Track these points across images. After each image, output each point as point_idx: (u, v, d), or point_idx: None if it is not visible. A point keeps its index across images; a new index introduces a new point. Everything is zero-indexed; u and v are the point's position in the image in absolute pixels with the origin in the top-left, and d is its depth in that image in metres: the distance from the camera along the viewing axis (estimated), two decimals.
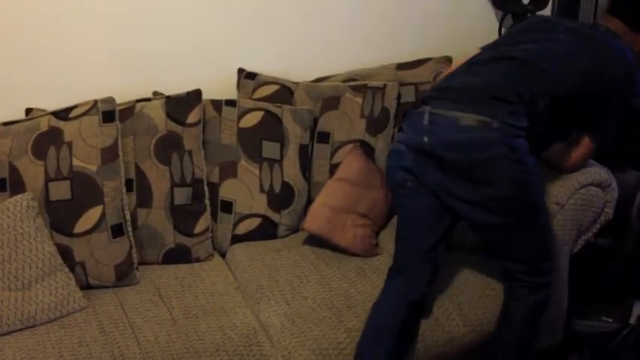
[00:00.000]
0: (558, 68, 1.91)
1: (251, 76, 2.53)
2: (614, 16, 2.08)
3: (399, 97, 2.49)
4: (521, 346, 2.02)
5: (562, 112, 1.93)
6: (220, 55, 2.52)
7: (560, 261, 2.15)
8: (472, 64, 2.03)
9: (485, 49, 2.11)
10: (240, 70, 2.56)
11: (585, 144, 2.08)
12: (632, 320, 2.37)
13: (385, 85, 2.47)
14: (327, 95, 2.48)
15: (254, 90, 2.50)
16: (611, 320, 2.38)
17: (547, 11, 2.72)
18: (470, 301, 2.08)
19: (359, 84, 2.51)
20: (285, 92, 2.49)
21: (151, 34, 2.40)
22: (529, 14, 2.72)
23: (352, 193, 2.30)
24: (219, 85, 2.49)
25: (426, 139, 1.85)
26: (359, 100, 2.46)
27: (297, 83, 2.53)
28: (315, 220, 2.27)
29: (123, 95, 2.26)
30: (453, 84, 1.96)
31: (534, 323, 2.00)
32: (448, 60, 2.58)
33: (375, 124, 2.44)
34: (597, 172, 2.15)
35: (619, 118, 2.03)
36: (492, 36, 2.88)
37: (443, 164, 1.85)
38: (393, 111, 2.46)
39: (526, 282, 1.96)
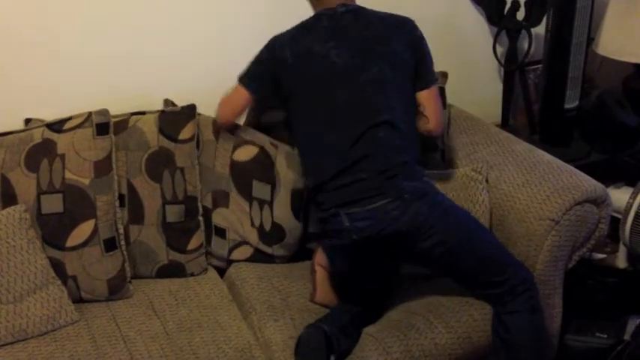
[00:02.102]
0: (380, 101, 2.00)
1: None
2: None
3: None
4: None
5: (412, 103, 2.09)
6: (218, 64, 2.52)
7: (555, 277, 2.15)
8: (336, 151, 2.00)
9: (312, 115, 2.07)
10: None
11: (427, 96, 2.11)
12: (627, 336, 2.36)
13: None
14: None
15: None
16: (606, 336, 2.37)
17: (542, 27, 2.73)
18: (452, 311, 2.07)
19: None
20: None
21: (160, 43, 2.41)
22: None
23: None
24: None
25: (354, 236, 1.93)
26: None
27: None
28: (325, 295, 2.18)
29: (128, 105, 2.27)
30: (345, 186, 1.97)
31: (535, 335, 2.02)
32: (444, 75, 2.58)
33: None
34: (592, 188, 2.16)
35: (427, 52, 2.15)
36: (487, 51, 2.91)
37: (382, 247, 1.96)
38: None
39: (506, 296, 2.00)
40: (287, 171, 2.27)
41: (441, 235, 1.93)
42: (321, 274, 2.17)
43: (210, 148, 2.29)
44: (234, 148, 2.28)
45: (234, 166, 2.27)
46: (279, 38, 2.11)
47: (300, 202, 2.29)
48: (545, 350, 2.09)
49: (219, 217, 2.30)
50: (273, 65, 2.10)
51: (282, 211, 2.28)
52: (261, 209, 2.27)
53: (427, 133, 2.14)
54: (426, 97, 2.11)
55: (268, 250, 2.31)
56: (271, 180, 2.27)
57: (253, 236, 2.29)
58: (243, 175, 2.27)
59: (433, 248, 1.94)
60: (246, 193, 2.27)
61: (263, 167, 2.27)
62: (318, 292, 2.16)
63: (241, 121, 2.40)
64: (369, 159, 1.95)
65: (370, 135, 1.96)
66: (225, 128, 2.27)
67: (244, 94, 2.15)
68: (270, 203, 2.27)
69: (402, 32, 2.09)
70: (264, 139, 2.30)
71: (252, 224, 2.28)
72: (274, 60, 2.09)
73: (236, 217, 2.29)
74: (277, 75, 2.09)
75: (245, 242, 2.31)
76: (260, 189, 2.26)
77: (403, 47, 2.07)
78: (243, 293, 2.19)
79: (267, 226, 2.28)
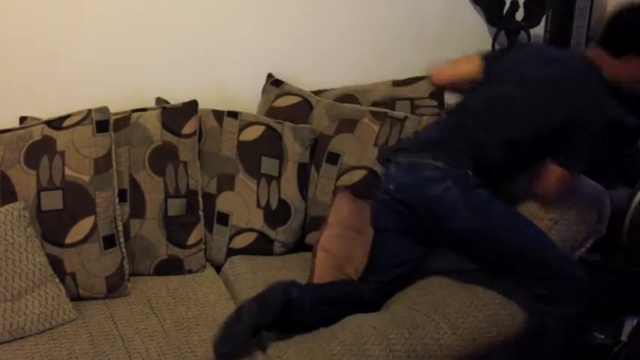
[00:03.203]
0: (505, 120, 2.05)
1: (277, 83, 2.56)
2: (598, 45, 2.09)
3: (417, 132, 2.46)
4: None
5: (523, 150, 2.05)
6: (214, 62, 2.54)
7: None
8: (449, 113, 2.24)
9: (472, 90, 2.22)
10: (269, 76, 2.60)
11: (551, 170, 2.06)
12: (624, 337, 2.36)
13: (406, 118, 2.45)
14: (346, 117, 2.46)
15: (276, 98, 2.53)
16: (603, 337, 2.37)
17: (540, 28, 2.74)
18: (457, 312, 2.06)
19: (381, 111, 2.48)
20: (304, 105, 2.50)
21: (154, 46, 2.41)
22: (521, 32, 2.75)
23: (349, 241, 2.26)
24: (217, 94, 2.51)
25: (391, 186, 2.08)
26: (376, 127, 2.43)
27: (319, 99, 2.54)
28: (322, 278, 2.18)
29: (128, 103, 2.27)
30: (416, 137, 2.22)
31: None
32: None
33: None
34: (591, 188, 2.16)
35: (596, 141, 2.02)
36: None
37: (408, 208, 2.04)
38: None
39: (534, 292, 2.00)
40: (294, 144, 2.37)
41: (465, 222, 1.96)
42: (322, 258, 2.18)
43: (215, 134, 2.35)
44: (240, 130, 2.36)
45: (242, 146, 2.35)
46: None
47: (305, 178, 2.39)
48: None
49: (223, 203, 2.33)
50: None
51: (289, 187, 2.37)
52: (269, 185, 2.34)
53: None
54: (548, 168, 2.07)
55: (271, 233, 2.34)
56: (279, 154, 2.36)
57: (258, 218, 2.34)
58: (252, 154, 2.35)
59: (456, 233, 1.99)
60: (255, 171, 2.34)
61: (271, 143, 2.37)
62: (315, 277, 2.16)
63: (251, 109, 2.50)
64: (451, 131, 2.09)
65: (471, 122, 2.08)
66: (437, 86, 2.42)
67: (475, 58, 2.25)
68: (278, 179, 2.35)
69: (571, 99, 2.03)
70: (267, 119, 2.40)
71: (259, 204, 2.33)
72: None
73: (241, 200, 2.33)
74: None
75: (247, 229, 2.33)
76: (268, 165, 2.35)
77: (560, 112, 2.02)
78: (236, 288, 2.20)
79: (274, 204, 2.34)
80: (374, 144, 2.42)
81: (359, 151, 2.42)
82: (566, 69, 2.08)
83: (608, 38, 2.06)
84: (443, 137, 2.09)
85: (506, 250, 1.99)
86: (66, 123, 2.13)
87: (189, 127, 2.25)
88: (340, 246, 2.25)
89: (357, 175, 2.41)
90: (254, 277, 2.22)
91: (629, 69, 2.03)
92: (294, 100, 2.52)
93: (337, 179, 2.41)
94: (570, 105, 2.01)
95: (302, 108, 2.50)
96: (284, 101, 2.52)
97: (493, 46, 2.89)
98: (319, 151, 2.44)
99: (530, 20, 2.85)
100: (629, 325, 2.39)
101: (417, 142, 2.13)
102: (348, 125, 2.45)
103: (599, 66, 2.05)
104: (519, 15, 2.85)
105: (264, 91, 2.59)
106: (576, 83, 2.04)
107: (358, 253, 2.23)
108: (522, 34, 2.85)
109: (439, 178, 1.98)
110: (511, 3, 2.83)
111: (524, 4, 2.85)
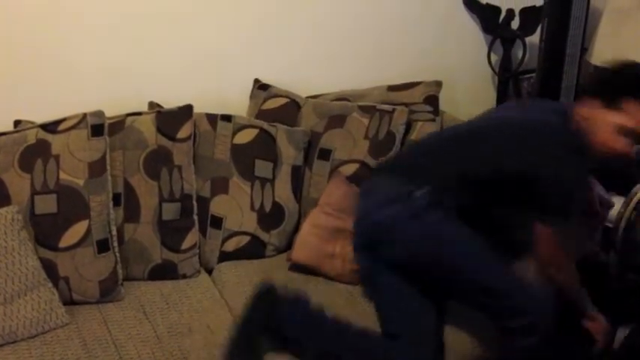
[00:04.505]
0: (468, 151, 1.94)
1: (264, 87, 2.58)
2: (591, 96, 2.01)
3: (408, 122, 2.49)
4: None
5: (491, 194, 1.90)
6: (214, 67, 2.55)
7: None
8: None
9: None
10: (256, 81, 2.61)
11: (540, 232, 1.91)
12: (616, 345, 2.37)
13: (394, 110, 2.47)
14: (334, 113, 2.49)
15: (264, 101, 2.54)
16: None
17: (536, 36, 2.75)
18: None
19: (368, 105, 2.51)
20: (292, 106, 2.52)
21: (150, 44, 2.42)
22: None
23: (337, 221, 2.28)
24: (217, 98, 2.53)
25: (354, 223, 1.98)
26: (365, 120, 2.46)
27: (306, 98, 2.56)
28: (303, 250, 2.24)
29: (123, 107, 2.27)
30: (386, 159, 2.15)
31: None
32: (438, 84, 2.60)
33: (379, 147, 2.44)
34: None
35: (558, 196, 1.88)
36: (482, 60, 2.93)
37: (365, 244, 1.94)
38: (399, 136, 2.46)
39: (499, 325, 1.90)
40: (288, 147, 2.39)
41: (417, 248, 1.84)
42: (306, 231, 2.23)
43: (209, 137, 2.35)
44: (234, 134, 2.37)
45: (236, 149, 2.35)
46: None
47: (299, 180, 2.41)
48: None
49: (217, 206, 2.33)
50: None
51: (283, 190, 2.38)
52: (263, 188, 2.35)
53: None
54: (537, 232, 1.91)
55: (265, 236, 2.36)
56: (273, 157, 2.36)
57: (252, 222, 2.34)
58: (246, 157, 2.35)
59: (411, 259, 1.86)
60: (249, 174, 2.35)
61: (265, 145, 2.38)
62: (295, 250, 2.21)
63: (242, 111, 2.52)
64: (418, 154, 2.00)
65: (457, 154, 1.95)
66: None
67: None
68: (272, 182, 2.37)
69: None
70: (261, 122, 2.41)
71: (252, 207, 2.34)
72: None
73: (235, 203, 2.34)
74: None
75: (240, 232, 2.34)
76: (262, 167, 2.36)
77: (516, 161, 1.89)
78: (225, 297, 2.20)
79: (268, 207, 2.35)
80: (364, 137, 2.44)
81: (350, 145, 2.44)
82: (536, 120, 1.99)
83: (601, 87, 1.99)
84: (407, 156, 2.01)
85: (462, 278, 1.85)
86: (61, 127, 2.12)
87: (184, 132, 2.25)
88: (327, 224, 2.27)
89: (349, 169, 2.43)
90: (239, 283, 2.22)
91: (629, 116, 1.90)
92: (282, 101, 2.54)
93: (330, 175, 2.43)
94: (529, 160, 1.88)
95: (290, 108, 2.52)
96: (272, 103, 2.54)
97: (489, 54, 2.90)
98: (310, 148, 2.46)
99: (526, 29, 2.86)
100: (621, 334, 2.39)
101: (382, 163, 2.04)
102: (337, 121, 2.47)
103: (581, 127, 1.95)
104: (515, 24, 2.87)
105: (252, 95, 2.61)
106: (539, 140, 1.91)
107: (343, 235, 2.24)
108: (517, 43, 2.86)
109: (388, 200, 1.85)
110: (507, 12, 2.85)
111: (520, 12, 2.86)
